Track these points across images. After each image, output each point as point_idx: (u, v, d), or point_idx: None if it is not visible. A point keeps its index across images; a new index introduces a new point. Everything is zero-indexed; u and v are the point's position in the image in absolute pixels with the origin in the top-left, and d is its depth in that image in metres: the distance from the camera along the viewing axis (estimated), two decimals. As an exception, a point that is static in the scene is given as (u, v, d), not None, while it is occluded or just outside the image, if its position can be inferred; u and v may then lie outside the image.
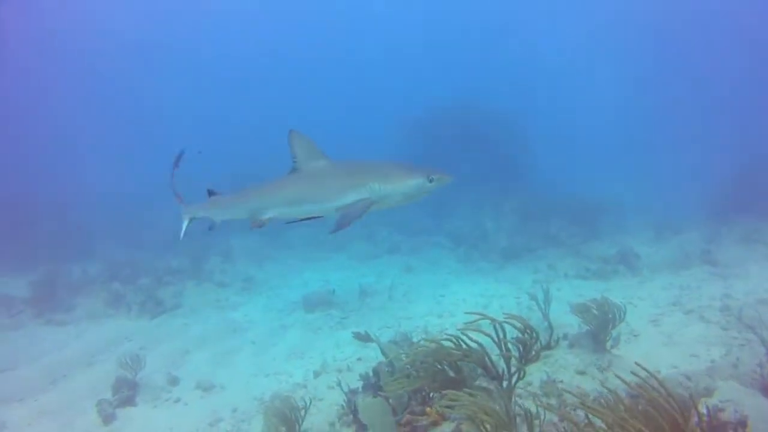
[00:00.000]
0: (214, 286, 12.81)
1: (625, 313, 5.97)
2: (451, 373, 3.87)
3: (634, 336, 6.96)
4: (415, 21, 46.54)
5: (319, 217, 4.39)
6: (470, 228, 15.96)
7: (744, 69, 37.88)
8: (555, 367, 5.82)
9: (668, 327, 7.16)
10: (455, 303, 9.97)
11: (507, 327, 3.88)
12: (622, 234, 14.94)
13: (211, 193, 5.03)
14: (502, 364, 3.92)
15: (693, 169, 21.06)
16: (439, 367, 3.92)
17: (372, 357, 7.26)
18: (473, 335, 3.95)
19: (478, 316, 3.76)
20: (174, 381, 7.63)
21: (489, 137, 20.04)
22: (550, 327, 7.42)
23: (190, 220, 5.23)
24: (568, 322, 7.39)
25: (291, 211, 4.45)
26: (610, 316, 5.94)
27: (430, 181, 4.21)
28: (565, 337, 6.66)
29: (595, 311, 6.12)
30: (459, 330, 3.96)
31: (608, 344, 6.07)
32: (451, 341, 3.96)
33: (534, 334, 3.81)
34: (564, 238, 14.93)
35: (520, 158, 20.23)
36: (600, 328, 5.95)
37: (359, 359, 7.53)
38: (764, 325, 6.57)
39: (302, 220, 4.43)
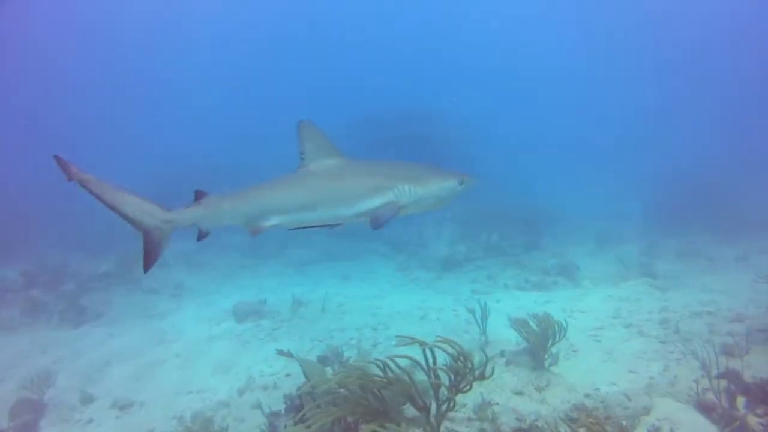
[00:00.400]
0: (143, 293, 12.17)
1: (565, 331, 5.83)
2: (374, 403, 3.51)
3: (574, 351, 6.87)
4: (367, 20, 46.27)
5: (335, 224, 3.94)
6: (410, 235, 15.82)
7: (691, 79, 40.12)
8: (491, 387, 5.58)
9: (608, 342, 7.13)
10: (391, 315, 9.70)
11: (441, 351, 3.56)
12: (564, 244, 15.24)
13: (199, 194, 4.11)
14: (432, 392, 3.60)
15: (636, 179, 21.91)
16: (361, 394, 3.54)
17: (301, 372, 6.84)
18: (401, 361, 3.61)
19: (409, 341, 3.41)
20: (88, 399, 6.95)
21: (434, 140, 20.07)
22: (487, 344, 7.28)
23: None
24: (507, 337, 7.24)
25: (301, 217, 3.92)
26: (550, 332, 5.77)
27: (461, 184, 4.02)
28: (502, 354, 6.48)
29: (534, 327, 5.95)
30: (387, 357, 3.60)
31: (547, 362, 5.92)
32: (378, 366, 3.60)
33: (468, 364, 3.50)
34: (505, 247, 15.07)
35: (465, 164, 20.34)
36: (539, 346, 5.77)
37: (288, 375, 7.13)
38: (700, 339, 6.71)
39: (311, 227, 3.95)
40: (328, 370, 6.23)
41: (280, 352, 6.60)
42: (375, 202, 3.77)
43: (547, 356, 5.90)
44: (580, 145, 33.46)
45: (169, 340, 9.36)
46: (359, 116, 22.96)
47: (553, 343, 5.91)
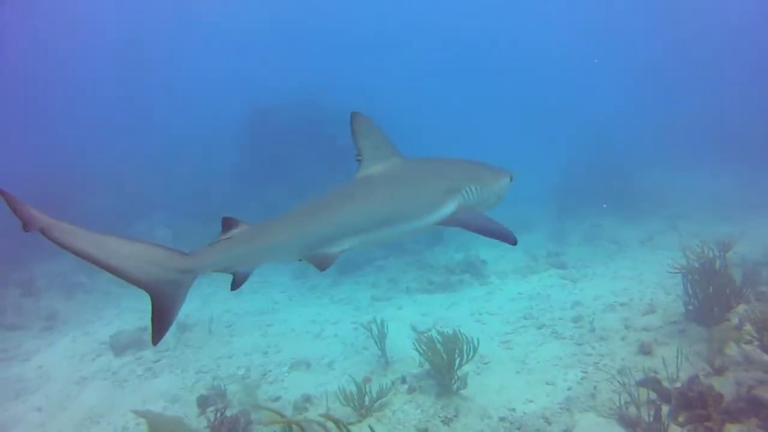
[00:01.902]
0: (3, 330, 10.58)
1: (476, 349, 5.62)
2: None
3: (485, 364, 6.78)
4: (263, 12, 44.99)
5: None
6: None
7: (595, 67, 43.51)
8: (392, 423, 5.24)
9: (521, 349, 7.15)
10: (283, 333, 9.24)
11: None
12: (468, 236, 15.28)
13: (230, 223, 3.36)
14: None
15: (541, 161, 22.94)
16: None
17: (180, 413, 6.18)
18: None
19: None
20: None
21: (335, 135, 19.90)
22: (388, 366, 6.96)
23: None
24: (410, 354, 6.99)
25: (375, 236, 3.51)
26: (457, 352, 5.52)
27: (511, 180, 4.04)
28: (403, 380, 6.17)
29: (440, 347, 5.67)
30: None
31: (455, 385, 5.65)
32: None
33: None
34: (407, 244, 14.95)
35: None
36: (445, 369, 5.49)
37: (166, 421, 6.25)
38: (616, 336, 6.84)
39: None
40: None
41: (137, 413, 5.77)
42: (449, 208, 3.60)
43: (454, 380, 5.63)
44: (486, 131, 34.87)
45: (30, 390, 7.99)
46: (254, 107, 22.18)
47: (462, 365, 5.66)
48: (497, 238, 3.49)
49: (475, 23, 50.32)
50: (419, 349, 6.13)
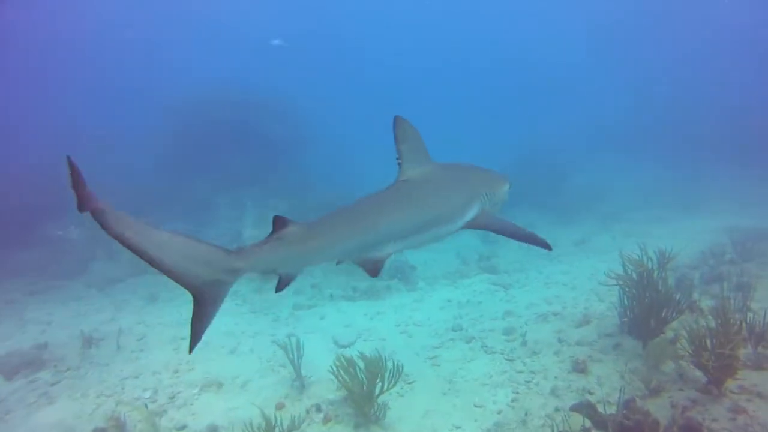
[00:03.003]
0: None
1: (400, 374, 5.26)
2: None
3: (410, 384, 6.48)
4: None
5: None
6: (228, 239, 14.63)
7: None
8: (302, 464, 4.78)
9: (449, 365, 6.91)
10: (198, 348, 8.46)
11: None
12: None
13: (281, 222, 3.28)
14: None
15: (482, 159, 23.27)
16: None
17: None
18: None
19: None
20: None
21: (260, 131, 19.53)
22: (304, 389, 6.53)
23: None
24: (330, 376, 6.51)
25: (416, 240, 3.74)
26: (379, 377, 5.18)
27: (510, 186, 4.45)
28: (318, 408, 5.76)
29: (360, 374, 5.30)
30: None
31: (375, 414, 5.29)
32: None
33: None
34: None
35: (297, 155, 20.15)
36: (365, 398, 5.12)
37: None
38: (549, 350, 6.70)
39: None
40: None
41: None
42: (474, 212, 3.95)
43: (374, 408, 5.27)
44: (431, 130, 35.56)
45: None
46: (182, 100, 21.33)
47: (383, 391, 5.31)
48: (530, 243, 3.87)
49: (413, 22, 51.15)
50: (337, 375, 5.74)
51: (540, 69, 47.89)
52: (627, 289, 6.54)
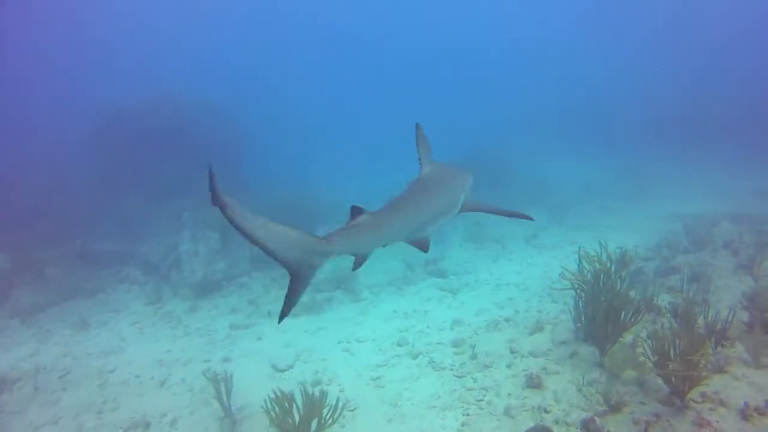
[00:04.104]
0: None
1: (340, 411, 4.76)
2: None
3: (351, 411, 6.03)
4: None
5: None
6: (163, 253, 13.81)
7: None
8: None
9: (394, 386, 6.50)
10: (125, 381, 8.18)
11: None
12: None
13: (356, 211, 3.73)
14: None
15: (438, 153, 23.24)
16: None
17: None
18: None
19: None
20: None
21: (199, 135, 18.76)
22: (235, 425, 5.99)
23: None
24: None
25: (439, 222, 4.45)
26: (317, 416, 4.68)
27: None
28: (246, 452, 5.17)
29: (296, 406, 4.80)
30: None
31: (309, 456, 4.79)
32: None
33: None
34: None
35: (236, 162, 19.62)
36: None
37: None
38: (501, 363, 6.34)
39: None
40: None
41: None
42: (462, 200, 4.59)
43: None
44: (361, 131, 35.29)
45: None
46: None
47: (322, 428, 4.83)
48: (511, 215, 4.54)
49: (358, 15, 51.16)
50: (270, 411, 5.21)
51: (483, 59, 48.64)
52: (581, 292, 6.18)
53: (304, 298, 10.59)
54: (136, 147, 17.76)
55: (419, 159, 4.60)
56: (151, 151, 17.68)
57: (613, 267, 6.04)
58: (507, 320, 7.84)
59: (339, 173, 24.78)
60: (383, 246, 4.01)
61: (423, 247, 4.28)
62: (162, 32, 44.09)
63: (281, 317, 3.38)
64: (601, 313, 5.74)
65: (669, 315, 6.36)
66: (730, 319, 5.50)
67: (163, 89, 21.42)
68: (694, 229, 10.53)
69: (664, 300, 7.52)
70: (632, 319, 5.76)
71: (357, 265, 4.00)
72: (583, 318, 6.20)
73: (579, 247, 6.56)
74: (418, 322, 8.58)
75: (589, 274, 6.10)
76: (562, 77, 41.02)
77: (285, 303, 3.43)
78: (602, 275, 5.96)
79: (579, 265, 6.39)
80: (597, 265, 6.03)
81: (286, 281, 10.24)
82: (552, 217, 14.14)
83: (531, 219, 4.58)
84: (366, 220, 3.73)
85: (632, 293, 7.86)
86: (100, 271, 13.79)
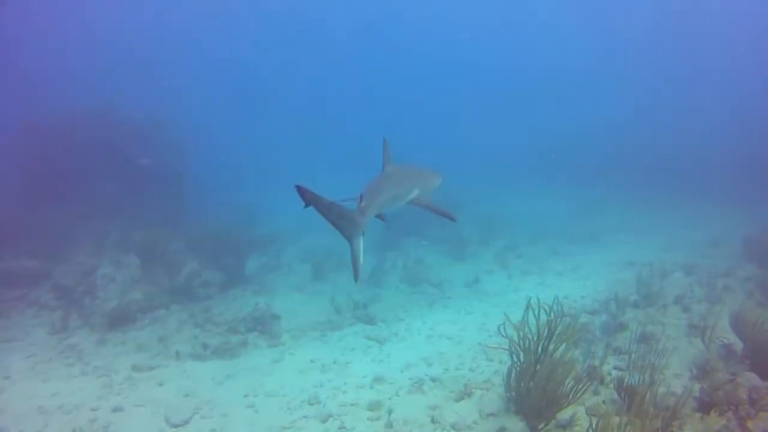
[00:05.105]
0: None
1: None
2: None
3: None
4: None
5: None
6: (79, 276, 12.83)
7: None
8: None
9: None
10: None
11: None
12: (274, 272, 13.87)
13: (361, 198, 5.17)
14: None
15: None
16: None
17: None
18: None
19: None
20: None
21: (128, 154, 18.09)
22: None
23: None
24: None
25: (397, 204, 5.88)
26: None
27: (441, 180, 6.82)
28: None
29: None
30: None
31: None
32: None
33: None
34: (196, 287, 13.05)
35: (170, 181, 18.73)
36: None
37: None
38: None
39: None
40: None
41: None
42: (415, 193, 6.05)
43: None
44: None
45: None
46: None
47: None
48: (442, 215, 5.73)
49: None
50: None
51: (438, 94, 49.18)
52: (516, 357, 5.36)
53: (216, 340, 9.73)
54: (67, 160, 16.89)
55: (383, 162, 6.25)
56: (83, 165, 16.84)
57: (549, 332, 5.25)
58: (434, 380, 7.02)
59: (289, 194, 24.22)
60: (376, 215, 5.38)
61: (382, 219, 5.64)
62: (105, 42, 42.97)
63: (357, 276, 4.82)
64: (536, 385, 4.94)
65: (613, 385, 5.61)
66: (682, 402, 4.76)
67: (101, 100, 20.56)
68: (646, 281, 10.09)
69: (610, 364, 6.88)
70: (573, 392, 4.98)
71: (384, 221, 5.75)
72: (514, 391, 5.37)
73: (530, 298, 5.78)
74: (336, 376, 7.70)
75: (525, 336, 5.29)
76: (530, 109, 41.60)
77: (354, 265, 4.81)
78: (541, 340, 5.16)
79: (524, 318, 5.63)
80: (532, 328, 5.24)
81: (204, 317, 9.33)
82: (497, 259, 13.54)
83: (454, 220, 5.70)
84: (365, 203, 5.03)
85: (576, 353, 7.20)
86: (8, 292, 12.53)
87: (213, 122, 36.10)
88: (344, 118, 47.42)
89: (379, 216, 5.56)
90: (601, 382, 5.92)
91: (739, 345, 6.97)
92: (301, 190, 4.31)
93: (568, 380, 5.03)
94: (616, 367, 6.76)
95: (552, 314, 5.28)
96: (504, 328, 5.52)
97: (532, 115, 40.56)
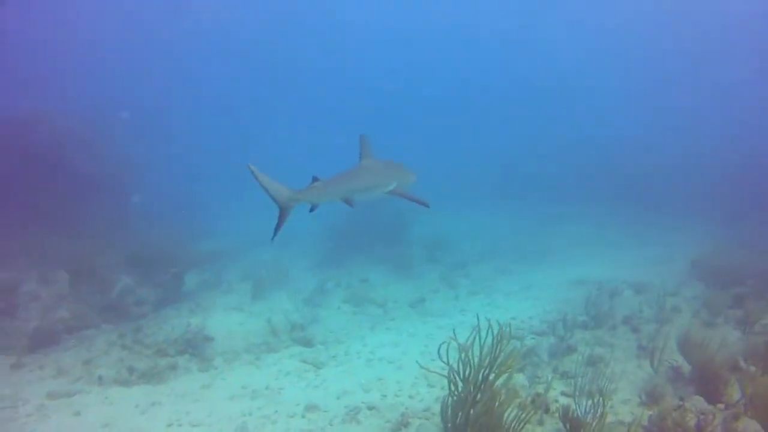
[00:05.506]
0: None
1: None
2: None
3: None
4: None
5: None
6: (2, 293, 12.22)
7: None
8: None
9: None
10: None
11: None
12: (213, 290, 13.34)
13: (314, 179, 6.16)
14: None
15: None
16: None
17: None
18: None
19: None
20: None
21: (75, 160, 17.87)
22: None
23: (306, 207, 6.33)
24: None
25: (366, 195, 6.83)
26: None
27: (415, 179, 7.57)
28: None
29: None
30: None
31: None
32: None
33: None
34: (130, 304, 12.42)
35: (111, 191, 18.43)
36: None
37: None
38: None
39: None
40: None
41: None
42: (391, 186, 6.91)
43: None
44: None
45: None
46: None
47: None
48: (418, 203, 6.70)
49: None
50: None
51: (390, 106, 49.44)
52: (452, 387, 4.92)
53: (144, 363, 9.07)
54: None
55: (360, 154, 7.05)
56: (19, 172, 16.20)
57: (490, 360, 4.85)
58: (370, 408, 6.59)
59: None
60: (329, 200, 6.32)
61: (349, 204, 6.52)
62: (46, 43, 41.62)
63: (274, 236, 5.78)
64: (475, 417, 4.54)
65: (558, 415, 5.27)
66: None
67: (36, 105, 19.82)
68: (595, 301, 9.90)
69: (556, 389, 6.59)
70: (515, 423, 4.61)
71: (312, 210, 6.34)
72: (450, 422, 4.94)
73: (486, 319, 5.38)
74: (267, 403, 7.19)
75: (465, 364, 4.87)
76: (491, 125, 41.99)
77: (275, 229, 5.81)
78: (482, 368, 4.75)
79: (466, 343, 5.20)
80: (475, 352, 4.83)
81: (134, 337, 8.68)
82: (444, 279, 13.23)
83: (427, 206, 6.67)
84: (319, 184, 6.08)
85: (521, 377, 6.87)
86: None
87: (165, 132, 35.25)
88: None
89: (347, 201, 6.52)
90: (546, 410, 5.60)
91: (686, 367, 6.87)
92: (251, 169, 5.51)
93: (509, 410, 4.67)
94: (563, 393, 6.52)
95: (494, 340, 4.90)
96: (446, 353, 5.11)
97: (492, 130, 40.97)
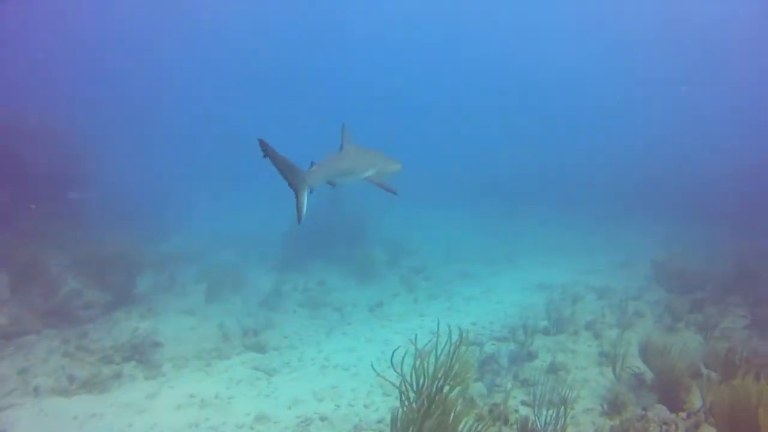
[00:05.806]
0: None
1: None
2: None
3: None
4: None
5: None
6: None
7: None
8: None
9: None
10: None
11: None
12: (166, 293, 12.95)
13: (312, 163, 6.13)
14: None
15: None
16: None
17: None
18: None
19: None
20: None
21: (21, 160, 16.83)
22: None
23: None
24: None
25: (349, 178, 6.74)
26: None
27: (400, 168, 7.50)
28: None
29: None
30: None
31: None
32: None
33: None
34: (77, 308, 11.88)
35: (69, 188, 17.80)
36: None
37: None
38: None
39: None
40: None
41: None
42: (371, 172, 6.90)
43: None
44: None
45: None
46: None
47: None
48: (389, 191, 6.65)
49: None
50: None
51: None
52: (403, 398, 4.61)
53: (85, 372, 8.56)
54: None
55: (342, 141, 6.85)
56: None
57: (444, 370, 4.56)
58: (322, 419, 6.30)
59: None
60: (325, 182, 6.29)
61: (332, 186, 6.48)
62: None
63: (299, 220, 5.70)
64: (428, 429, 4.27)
65: (517, 426, 5.06)
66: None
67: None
68: (557, 305, 9.80)
69: (516, 398, 6.39)
70: (469, 438, 4.35)
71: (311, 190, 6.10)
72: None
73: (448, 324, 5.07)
74: (216, 414, 6.82)
75: (417, 374, 4.57)
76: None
77: (298, 211, 5.73)
78: (435, 380, 4.47)
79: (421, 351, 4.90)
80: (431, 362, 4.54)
81: (78, 344, 8.23)
82: (404, 282, 12.98)
83: (395, 194, 6.58)
84: (315, 168, 6.04)
85: (480, 385, 6.68)
86: None
87: (126, 130, 34.59)
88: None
89: (330, 182, 6.53)
90: (505, 422, 5.38)
91: (649, 374, 6.75)
92: (263, 144, 5.11)
93: (465, 421, 4.42)
94: (523, 402, 6.33)
95: (451, 348, 4.63)
96: (401, 361, 4.80)
97: (469, 132, 41.15)
